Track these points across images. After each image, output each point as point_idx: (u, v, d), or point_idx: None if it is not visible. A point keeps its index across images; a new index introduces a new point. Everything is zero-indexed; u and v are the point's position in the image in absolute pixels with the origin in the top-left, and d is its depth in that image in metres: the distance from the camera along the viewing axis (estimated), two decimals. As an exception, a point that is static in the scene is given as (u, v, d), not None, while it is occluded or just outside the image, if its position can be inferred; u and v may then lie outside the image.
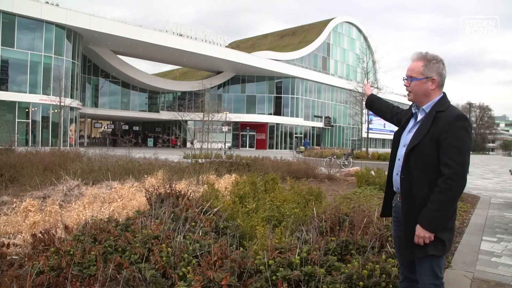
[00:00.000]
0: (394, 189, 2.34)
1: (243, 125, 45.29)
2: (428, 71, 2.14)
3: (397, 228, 2.35)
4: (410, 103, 2.32)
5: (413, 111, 2.29)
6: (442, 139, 2.02)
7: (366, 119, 26.15)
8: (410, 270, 2.32)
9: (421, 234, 2.04)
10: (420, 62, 2.16)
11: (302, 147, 37.50)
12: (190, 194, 4.67)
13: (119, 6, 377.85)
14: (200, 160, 11.17)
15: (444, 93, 2.20)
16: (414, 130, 2.18)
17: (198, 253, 3.01)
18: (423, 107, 2.19)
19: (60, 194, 6.60)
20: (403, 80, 2.24)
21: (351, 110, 31.73)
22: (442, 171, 2.01)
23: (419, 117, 2.22)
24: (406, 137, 2.23)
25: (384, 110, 2.68)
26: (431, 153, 2.05)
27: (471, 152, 2.17)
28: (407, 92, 2.24)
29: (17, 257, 3.45)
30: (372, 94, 2.79)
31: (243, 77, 47.53)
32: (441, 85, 2.18)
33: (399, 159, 2.21)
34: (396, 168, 2.24)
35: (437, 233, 2.05)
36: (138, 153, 12.92)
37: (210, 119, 17.32)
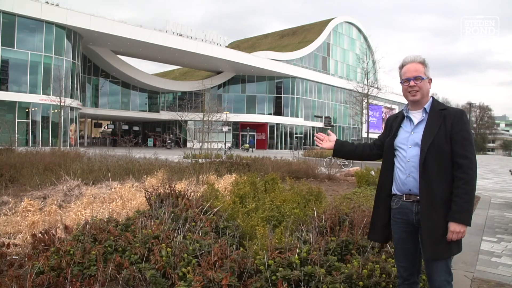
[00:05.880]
0: (396, 192, 2.29)
1: (243, 125, 45.26)
2: (428, 72, 2.28)
3: (401, 229, 2.29)
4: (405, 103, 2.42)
5: (405, 114, 2.34)
6: (454, 132, 2.13)
7: (366, 119, 26.18)
8: (411, 272, 2.31)
9: (457, 229, 2.05)
10: (420, 65, 2.27)
11: (247, 145, 37.56)
12: (190, 194, 4.68)
13: (124, 8, 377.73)
14: (200, 160, 11.17)
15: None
16: (419, 130, 2.22)
17: (198, 253, 3.01)
18: (424, 106, 2.26)
19: (60, 194, 6.60)
20: (409, 80, 2.25)
21: (351, 110, 31.78)
22: (459, 162, 2.10)
23: (420, 116, 2.26)
24: (411, 138, 2.24)
25: (358, 149, 2.58)
26: (445, 148, 2.13)
27: None
28: (413, 92, 2.25)
29: (17, 257, 3.45)
30: (337, 139, 2.58)
31: (243, 77, 47.50)
32: None
33: (409, 160, 2.21)
34: (408, 170, 2.21)
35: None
36: (138, 153, 12.92)
37: (210, 119, 17.30)
